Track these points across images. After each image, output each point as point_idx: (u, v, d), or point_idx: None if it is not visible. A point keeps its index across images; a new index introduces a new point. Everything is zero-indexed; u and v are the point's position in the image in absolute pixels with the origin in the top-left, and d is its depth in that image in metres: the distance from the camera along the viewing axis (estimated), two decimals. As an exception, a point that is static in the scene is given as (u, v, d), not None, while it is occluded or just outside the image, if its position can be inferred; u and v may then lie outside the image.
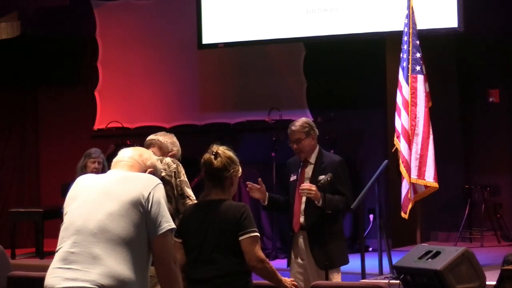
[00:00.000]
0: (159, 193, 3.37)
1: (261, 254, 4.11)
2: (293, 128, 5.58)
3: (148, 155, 3.60)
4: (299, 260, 5.55)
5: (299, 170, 5.62)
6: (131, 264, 3.25)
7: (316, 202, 5.42)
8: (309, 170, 5.59)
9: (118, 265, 3.23)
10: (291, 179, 5.64)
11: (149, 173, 3.52)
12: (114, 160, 3.57)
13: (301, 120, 5.68)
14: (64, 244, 3.30)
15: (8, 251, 6.87)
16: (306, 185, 5.43)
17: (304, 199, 5.52)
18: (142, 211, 3.31)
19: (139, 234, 3.29)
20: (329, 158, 5.65)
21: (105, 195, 3.34)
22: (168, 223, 3.34)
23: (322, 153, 5.64)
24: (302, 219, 5.54)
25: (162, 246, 3.33)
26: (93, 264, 3.22)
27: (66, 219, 3.38)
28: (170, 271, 3.35)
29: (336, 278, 5.52)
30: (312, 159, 5.61)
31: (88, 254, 3.23)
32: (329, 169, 5.52)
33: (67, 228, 3.34)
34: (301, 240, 5.55)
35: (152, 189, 3.35)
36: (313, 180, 5.51)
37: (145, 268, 3.34)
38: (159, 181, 3.43)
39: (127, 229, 3.27)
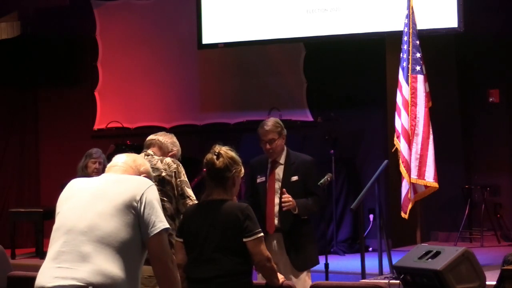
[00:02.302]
0: (152, 195, 3.38)
1: (268, 253, 4.17)
2: (266, 128, 5.52)
3: (142, 161, 3.62)
4: None
5: (268, 171, 5.57)
6: (121, 264, 3.25)
7: (292, 210, 5.41)
8: (279, 171, 5.55)
9: (108, 263, 3.23)
10: (259, 180, 5.57)
11: None
12: (108, 165, 3.59)
13: (273, 120, 5.62)
14: (55, 243, 3.31)
15: (8, 251, 6.86)
16: (286, 197, 5.39)
17: (277, 200, 5.49)
18: (134, 212, 3.31)
19: (131, 234, 3.29)
20: (299, 158, 5.61)
21: (98, 197, 3.35)
22: (162, 222, 3.34)
23: (290, 153, 5.60)
24: (276, 221, 5.51)
25: (158, 246, 3.33)
26: (82, 262, 3.22)
27: (58, 219, 3.40)
28: (167, 271, 3.35)
29: (308, 279, 5.52)
30: (282, 160, 5.57)
31: (78, 253, 3.24)
32: (301, 169, 5.52)
33: (58, 228, 3.35)
34: (274, 243, 5.50)
35: (144, 190, 3.36)
36: (285, 181, 5.49)
37: (136, 269, 3.34)
38: (151, 183, 3.44)
39: (118, 229, 3.28)
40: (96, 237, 3.25)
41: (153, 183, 3.44)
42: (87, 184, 3.47)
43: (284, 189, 5.44)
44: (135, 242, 3.31)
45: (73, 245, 3.26)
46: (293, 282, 5.34)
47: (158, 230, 3.32)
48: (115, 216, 3.29)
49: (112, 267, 3.23)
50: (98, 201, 3.33)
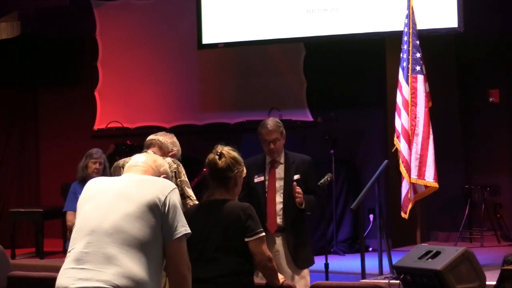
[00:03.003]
0: (175, 197, 3.34)
1: (269, 253, 4.17)
2: (269, 128, 5.52)
3: (162, 162, 3.58)
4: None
5: (266, 170, 5.57)
6: (146, 266, 3.21)
7: (299, 205, 5.43)
8: (280, 170, 5.56)
9: (134, 266, 3.18)
10: (256, 180, 5.55)
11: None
12: (127, 165, 3.54)
13: (274, 120, 5.63)
14: (77, 244, 3.26)
15: (8, 251, 6.86)
16: (298, 189, 5.41)
17: (279, 199, 5.50)
18: (158, 214, 3.27)
19: (155, 237, 3.26)
20: (298, 157, 5.63)
21: (121, 197, 3.30)
22: (184, 227, 3.31)
23: (287, 153, 5.62)
24: (279, 220, 5.51)
25: (177, 251, 3.30)
26: (107, 264, 3.17)
27: (80, 220, 3.34)
28: (183, 277, 3.32)
29: (308, 278, 5.53)
30: (281, 159, 5.58)
31: (103, 254, 3.19)
32: (302, 168, 5.54)
33: (81, 228, 3.30)
34: (276, 242, 5.49)
35: (168, 193, 3.32)
36: (287, 180, 5.50)
37: (158, 272, 3.31)
38: (174, 185, 3.40)
39: (142, 231, 3.24)
40: (121, 239, 3.20)
41: (176, 186, 3.40)
42: (109, 184, 3.42)
43: (295, 183, 5.44)
44: (158, 244, 3.28)
45: (97, 246, 3.21)
46: (295, 280, 5.36)
47: (180, 235, 3.29)
48: (140, 218, 3.24)
49: (137, 270, 3.19)
50: (121, 202, 3.28)
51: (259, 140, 5.60)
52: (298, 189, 5.42)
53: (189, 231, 3.34)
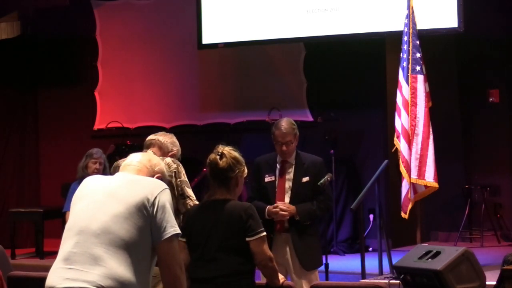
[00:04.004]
0: (165, 198, 3.33)
1: (270, 253, 4.18)
2: (284, 130, 5.47)
3: (157, 161, 3.58)
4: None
5: (277, 170, 5.55)
6: (132, 267, 3.22)
7: (294, 217, 5.40)
8: (290, 171, 5.53)
9: (119, 267, 3.20)
10: (267, 179, 5.54)
11: (157, 178, 3.49)
12: (123, 163, 3.55)
13: (288, 121, 5.57)
14: (67, 244, 3.29)
15: (8, 251, 6.86)
16: (278, 209, 5.38)
17: (287, 200, 5.48)
18: (146, 215, 3.27)
19: (142, 238, 3.26)
20: (309, 158, 5.61)
21: (111, 197, 3.32)
22: (173, 228, 3.30)
23: (299, 154, 5.59)
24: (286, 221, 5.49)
25: (168, 252, 3.29)
26: (93, 265, 3.20)
27: (71, 219, 3.37)
28: (175, 278, 3.31)
29: (315, 280, 5.50)
30: (292, 160, 5.55)
31: (89, 255, 3.21)
32: (312, 170, 5.51)
33: (70, 228, 3.33)
34: (283, 243, 5.47)
35: (158, 193, 3.32)
36: (296, 181, 5.49)
37: (146, 273, 3.31)
38: (165, 186, 3.40)
39: (130, 232, 3.25)
40: (108, 240, 3.22)
41: (167, 186, 3.40)
42: (101, 184, 3.43)
43: (278, 202, 5.41)
44: (146, 245, 3.28)
45: (84, 247, 3.23)
46: (302, 282, 5.34)
47: (169, 235, 3.28)
48: (128, 219, 3.25)
49: (123, 271, 3.20)
50: (111, 202, 3.29)
51: (272, 139, 5.57)
52: (283, 207, 5.39)
53: (178, 231, 3.33)
